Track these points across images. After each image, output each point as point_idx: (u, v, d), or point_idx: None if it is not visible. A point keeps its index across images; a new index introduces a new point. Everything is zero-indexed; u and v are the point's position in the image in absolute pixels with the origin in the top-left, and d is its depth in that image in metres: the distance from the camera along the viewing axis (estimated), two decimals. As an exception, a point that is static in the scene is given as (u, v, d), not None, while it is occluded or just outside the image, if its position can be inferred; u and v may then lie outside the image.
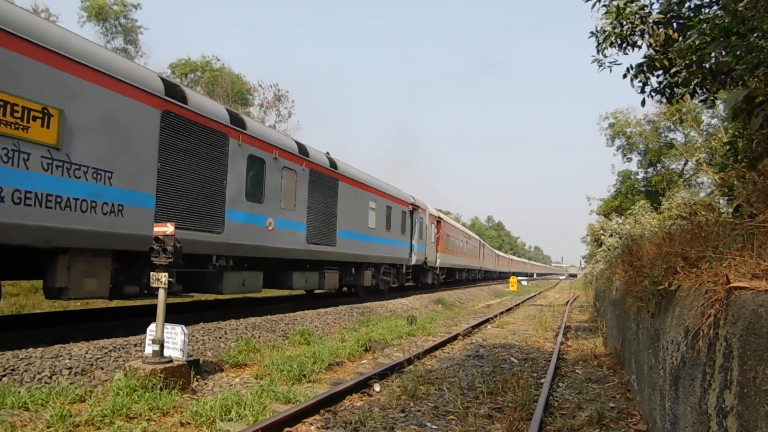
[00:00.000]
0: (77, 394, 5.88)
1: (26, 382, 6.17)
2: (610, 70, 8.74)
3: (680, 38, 7.43)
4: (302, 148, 14.42)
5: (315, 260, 15.30)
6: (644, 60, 8.27)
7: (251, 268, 12.34)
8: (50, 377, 6.41)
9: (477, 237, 52.52)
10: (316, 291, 19.67)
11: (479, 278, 52.86)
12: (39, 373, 6.40)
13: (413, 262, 24.41)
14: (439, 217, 31.19)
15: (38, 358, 6.64)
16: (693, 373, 3.44)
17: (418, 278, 27.75)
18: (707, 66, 6.92)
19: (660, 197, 27.84)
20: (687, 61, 6.83)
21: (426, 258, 26.74)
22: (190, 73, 38.27)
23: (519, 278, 50.34)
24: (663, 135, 36.56)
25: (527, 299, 31.29)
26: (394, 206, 21.95)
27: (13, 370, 6.26)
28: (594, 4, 8.19)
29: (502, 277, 70.84)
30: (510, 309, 22.53)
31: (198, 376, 7.27)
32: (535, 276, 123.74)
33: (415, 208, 24.69)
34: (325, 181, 15.50)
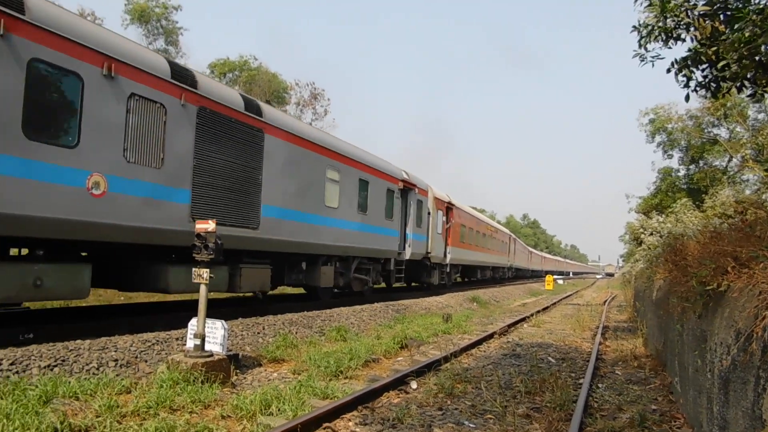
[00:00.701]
0: (123, 386, 6.04)
1: (75, 372, 6.38)
2: (653, 65, 8.53)
3: (728, 30, 7.21)
4: (181, 72, 9.46)
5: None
6: (689, 53, 8.04)
7: (61, 258, 7.91)
8: (98, 368, 6.61)
9: (507, 231, 47.89)
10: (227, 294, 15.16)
11: (509, 277, 48.37)
12: (87, 365, 6.61)
13: (407, 257, 19.19)
14: (450, 203, 25.31)
15: (86, 350, 6.85)
16: (745, 377, 3.33)
17: (420, 277, 23.02)
18: (758, 59, 6.68)
19: (703, 195, 27.08)
20: (737, 54, 6.60)
21: (429, 252, 21.72)
22: (229, 72, 38.85)
23: (555, 277, 49.57)
24: (706, 131, 35.55)
25: (564, 298, 30.84)
26: (374, 181, 16.71)
27: (63, 360, 6.48)
28: (637, -1, 7.99)
29: (535, 275, 67.79)
30: (546, 308, 22.25)
31: (237, 371, 7.39)
32: (570, 275, 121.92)
33: (408, 187, 19.30)
34: (237, 130, 10.46)
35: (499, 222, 62.67)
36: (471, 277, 34.97)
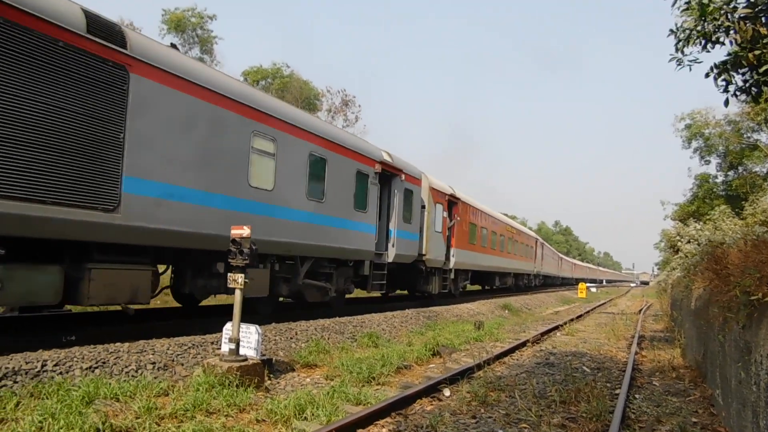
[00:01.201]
0: (161, 388, 6.17)
1: (115, 374, 6.53)
2: (690, 69, 8.36)
3: (770, 33, 7.02)
4: None
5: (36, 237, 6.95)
6: (729, 57, 7.86)
7: None
8: (136, 371, 6.76)
9: (532, 234, 43.90)
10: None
11: (535, 285, 44.07)
12: (126, 367, 6.76)
13: (390, 259, 15.49)
14: (453, 196, 21.21)
15: (125, 353, 7.01)
16: (793, 390, 3.23)
17: (415, 284, 19.10)
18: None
19: (742, 202, 26.39)
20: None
21: (423, 254, 17.85)
22: (262, 80, 39.51)
23: (587, 285, 48.55)
24: (745, 136, 34.66)
25: (597, 306, 30.32)
26: (336, 160, 12.81)
27: (104, 363, 6.64)
28: (675, 2, 7.86)
29: (566, 283, 64.80)
30: (580, 316, 21.91)
31: (271, 375, 7.47)
32: (604, 283, 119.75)
33: (391, 171, 15.42)
34: (72, 62, 7.07)
35: (530, 229, 59.80)
36: (488, 284, 31.46)
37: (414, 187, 17.12)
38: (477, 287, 32.16)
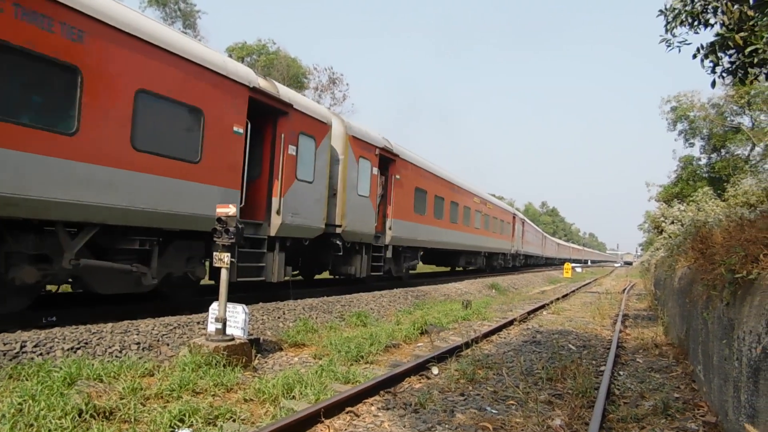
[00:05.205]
0: (146, 368, 6.13)
1: (98, 355, 6.49)
2: (679, 50, 8.37)
3: (757, 15, 7.03)
4: None
5: None
6: (716, 39, 7.87)
7: None
8: (120, 351, 6.72)
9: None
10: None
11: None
12: (110, 347, 6.72)
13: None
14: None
15: (109, 333, 6.97)
16: (777, 365, 3.29)
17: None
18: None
19: (724, 184, 26.74)
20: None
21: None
22: (247, 56, 38.96)
23: (573, 265, 48.85)
24: (729, 119, 35.02)
25: (582, 286, 30.65)
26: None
27: (86, 343, 6.59)
28: (665, -21, 7.83)
29: (550, 264, 64.34)
30: (565, 296, 22.14)
31: (258, 355, 7.46)
32: (589, 263, 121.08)
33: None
34: None
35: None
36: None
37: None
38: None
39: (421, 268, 27.60)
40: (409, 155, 18.41)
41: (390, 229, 16.62)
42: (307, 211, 12.13)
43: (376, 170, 15.44)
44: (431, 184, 20.23)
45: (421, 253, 20.79)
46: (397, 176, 17.02)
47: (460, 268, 29.87)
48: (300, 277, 15.64)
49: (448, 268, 30.20)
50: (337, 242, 13.80)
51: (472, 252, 27.50)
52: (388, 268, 17.12)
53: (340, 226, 13.63)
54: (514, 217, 37.92)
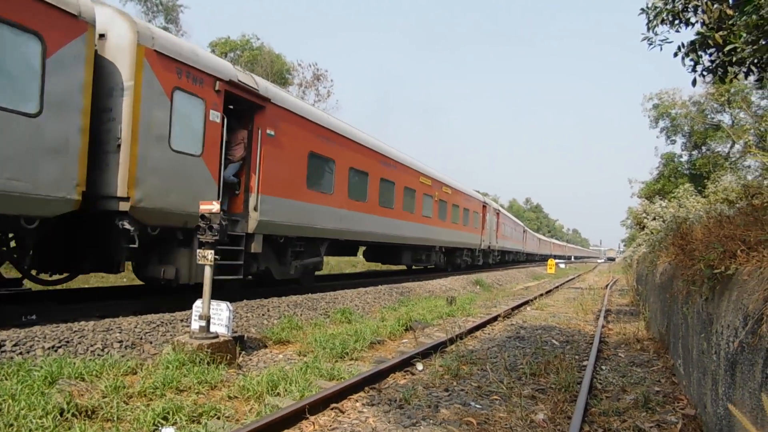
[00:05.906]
0: (129, 367, 6.08)
1: (80, 353, 6.41)
2: (661, 48, 8.47)
3: (736, 14, 7.14)
4: None
5: None
6: (697, 37, 7.98)
7: None
8: (102, 350, 6.65)
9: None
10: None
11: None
12: (92, 346, 6.65)
13: None
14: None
15: (90, 331, 6.88)
16: (753, 359, 3.35)
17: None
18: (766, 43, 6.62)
19: (705, 180, 27.09)
20: (752, 38, 6.55)
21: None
22: (230, 51, 38.61)
23: (556, 261, 49.01)
24: (709, 117, 35.50)
25: (566, 282, 30.92)
26: None
27: (67, 342, 6.51)
28: (646, -22, 7.90)
29: (530, 260, 62.21)
30: (549, 291, 22.33)
31: (243, 352, 7.44)
32: (572, 259, 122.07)
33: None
34: None
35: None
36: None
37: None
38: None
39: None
40: (295, 103, 12.55)
41: (256, 210, 10.75)
42: (47, 170, 7.00)
43: (218, 116, 9.69)
44: (343, 152, 14.49)
45: (326, 245, 14.38)
46: (271, 132, 11.23)
47: (404, 267, 24.88)
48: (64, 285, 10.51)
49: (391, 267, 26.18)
50: (126, 226, 8.12)
51: (419, 247, 21.81)
52: (264, 268, 11.71)
53: (126, 198, 8.03)
54: (484, 207, 31.70)
